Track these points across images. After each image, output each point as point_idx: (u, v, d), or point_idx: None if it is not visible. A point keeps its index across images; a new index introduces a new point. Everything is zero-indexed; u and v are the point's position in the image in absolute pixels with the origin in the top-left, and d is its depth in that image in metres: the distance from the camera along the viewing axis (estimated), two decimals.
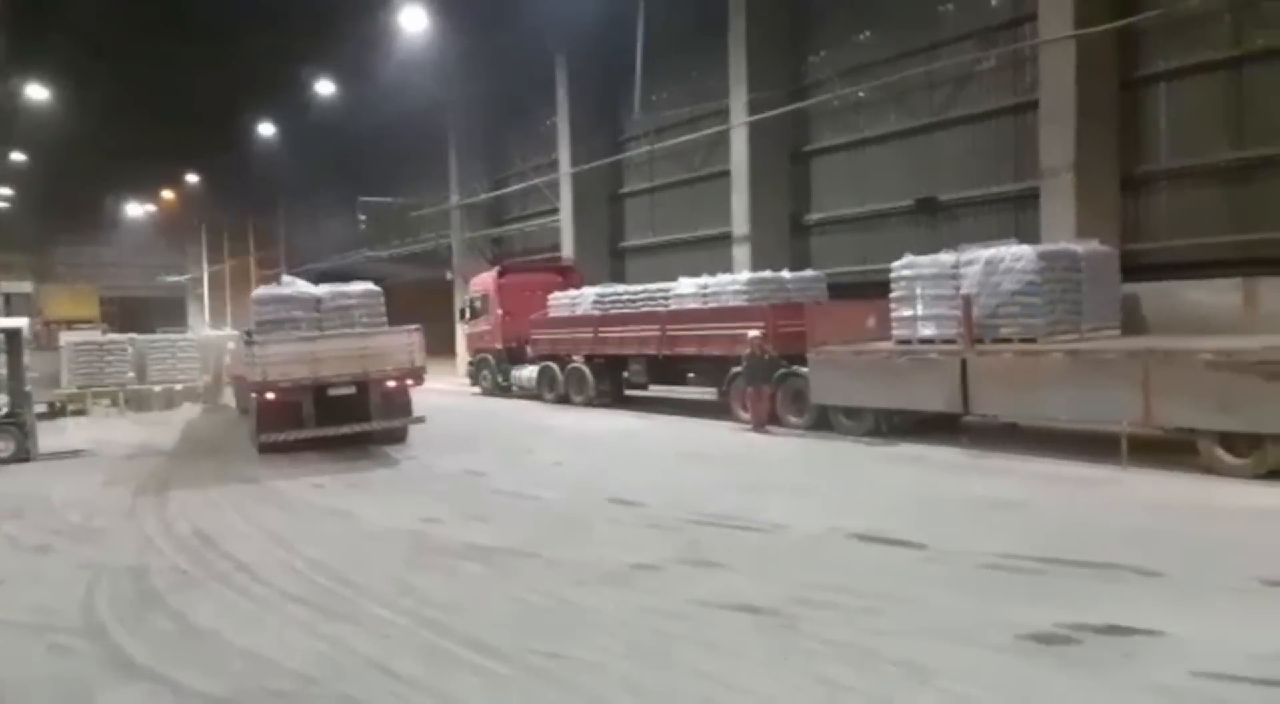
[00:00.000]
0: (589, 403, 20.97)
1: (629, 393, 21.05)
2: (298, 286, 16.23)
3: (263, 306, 15.65)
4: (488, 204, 33.57)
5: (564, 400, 21.74)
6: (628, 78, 23.58)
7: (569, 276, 24.91)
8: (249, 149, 41.01)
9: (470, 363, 27.19)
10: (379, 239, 39.64)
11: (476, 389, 26.13)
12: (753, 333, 15.87)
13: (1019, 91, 17.44)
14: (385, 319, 15.99)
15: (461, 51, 28.85)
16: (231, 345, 25.37)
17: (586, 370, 21.16)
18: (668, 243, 26.20)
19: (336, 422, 14.86)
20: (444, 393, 26.34)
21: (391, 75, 28.40)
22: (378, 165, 39.49)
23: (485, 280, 25.70)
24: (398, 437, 15.94)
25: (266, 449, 14.85)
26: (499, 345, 24.96)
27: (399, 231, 38.60)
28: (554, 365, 22.21)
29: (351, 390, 14.92)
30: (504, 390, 24.69)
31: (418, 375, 15.27)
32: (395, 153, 38.50)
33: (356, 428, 14.97)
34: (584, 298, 21.67)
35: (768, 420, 15.74)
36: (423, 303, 42.65)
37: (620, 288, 21.26)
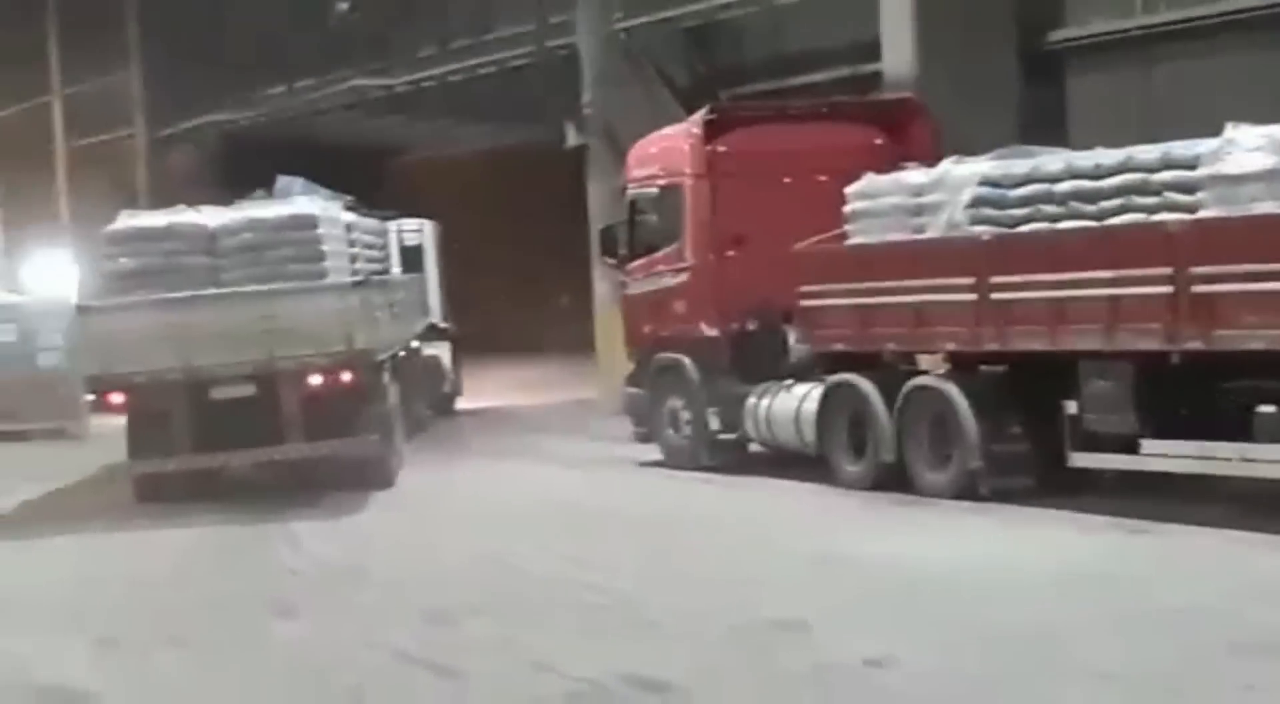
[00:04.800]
0: (965, 487, 8.63)
1: (1079, 460, 8.38)
2: (182, 216, 11.71)
3: (119, 247, 11.30)
4: None
5: (887, 478, 9.27)
6: None
7: (896, 133, 11.28)
8: None
9: (632, 374, 12.20)
10: (381, 49, 19.97)
11: (648, 447, 11.84)
12: None
13: None
14: (325, 265, 11.05)
15: None
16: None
17: (959, 395, 10.13)
18: (1182, 28, 11.78)
19: (228, 444, 10.79)
20: (554, 459, 12.52)
21: None
22: None
23: (671, 149, 11.85)
24: (371, 478, 10.84)
25: (146, 492, 10.74)
26: (708, 326, 11.20)
27: (431, 29, 19.10)
28: (863, 382, 11.16)
29: (250, 390, 10.77)
30: (721, 450, 10.92)
31: (357, 364, 10.74)
32: None
33: (260, 455, 10.86)
34: (946, 189, 10.41)
35: None
36: (501, 216, 22.66)
37: (1053, 158, 8.76)
